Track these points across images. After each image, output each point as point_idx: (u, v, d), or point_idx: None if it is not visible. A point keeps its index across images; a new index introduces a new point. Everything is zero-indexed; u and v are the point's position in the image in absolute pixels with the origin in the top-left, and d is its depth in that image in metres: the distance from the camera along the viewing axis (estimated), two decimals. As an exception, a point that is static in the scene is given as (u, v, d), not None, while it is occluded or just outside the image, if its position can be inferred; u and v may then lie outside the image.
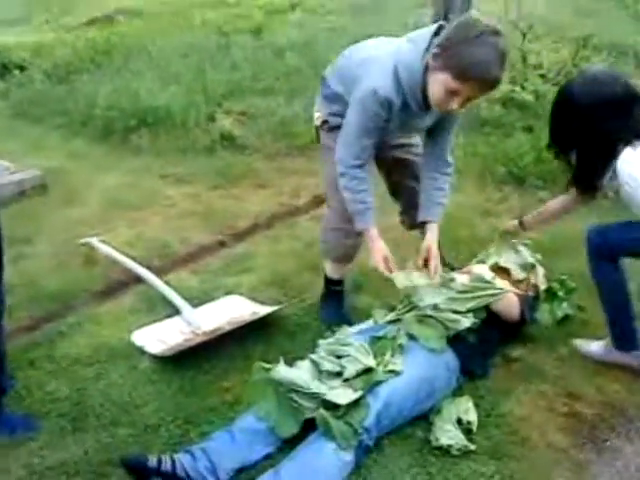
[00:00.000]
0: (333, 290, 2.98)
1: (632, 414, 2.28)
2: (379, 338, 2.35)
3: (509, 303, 2.55)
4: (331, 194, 2.70)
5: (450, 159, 2.66)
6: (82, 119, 5.82)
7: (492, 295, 2.49)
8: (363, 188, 2.47)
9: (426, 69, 2.25)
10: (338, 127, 2.51)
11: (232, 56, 6.96)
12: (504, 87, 5.45)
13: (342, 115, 2.48)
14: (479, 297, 2.47)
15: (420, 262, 2.56)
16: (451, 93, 2.20)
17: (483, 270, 2.69)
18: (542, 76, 5.72)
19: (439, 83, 2.20)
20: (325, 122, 2.63)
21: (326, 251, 2.90)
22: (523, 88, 5.49)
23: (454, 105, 2.23)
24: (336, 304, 2.98)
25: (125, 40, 8.03)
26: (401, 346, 2.30)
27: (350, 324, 2.69)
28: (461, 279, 2.58)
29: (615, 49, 6.37)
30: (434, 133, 2.60)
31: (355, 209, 2.51)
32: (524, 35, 5.98)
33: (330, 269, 2.95)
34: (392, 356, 2.25)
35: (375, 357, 2.22)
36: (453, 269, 2.89)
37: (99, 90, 6.08)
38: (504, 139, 4.99)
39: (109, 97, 5.87)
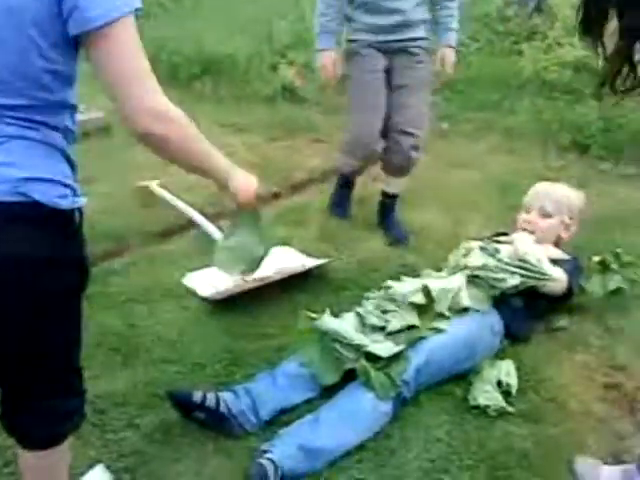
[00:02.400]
0: (343, 182, 3.43)
1: (676, 390, 2.25)
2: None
3: (556, 282, 2.49)
4: (350, 111, 3.23)
5: None
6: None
7: (538, 280, 2.43)
8: (333, 16, 3.04)
9: None
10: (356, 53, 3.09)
11: (300, 6, 6.90)
12: (578, 52, 5.28)
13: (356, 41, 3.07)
14: (525, 277, 2.42)
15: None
16: None
17: (528, 245, 2.59)
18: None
19: None
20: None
21: (342, 165, 3.35)
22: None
23: None
24: (343, 193, 3.43)
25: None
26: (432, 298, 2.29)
27: (348, 216, 3.36)
28: (506, 251, 2.56)
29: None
30: None
31: (320, 30, 3.07)
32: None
33: (342, 165, 3.37)
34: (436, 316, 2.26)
35: (420, 316, 2.24)
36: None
37: (165, 35, 6.13)
38: (572, 105, 4.86)
39: (175, 43, 5.91)
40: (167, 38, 6.03)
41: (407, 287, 2.34)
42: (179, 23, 6.58)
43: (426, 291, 2.28)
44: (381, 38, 3.04)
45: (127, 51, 1.22)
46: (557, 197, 2.75)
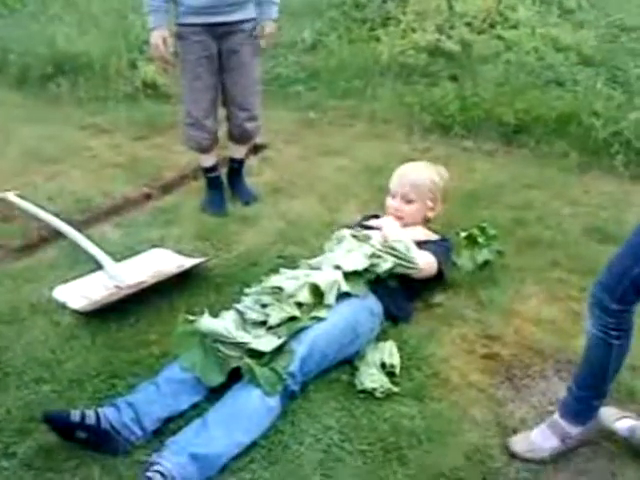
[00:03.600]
0: (209, 177, 3.56)
1: (547, 353, 2.38)
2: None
3: (427, 269, 2.57)
4: (184, 92, 3.34)
5: None
6: (-5, 66, 5.55)
7: (407, 268, 2.48)
8: None
9: None
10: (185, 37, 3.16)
11: None
12: (430, 36, 5.47)
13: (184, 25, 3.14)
14: (396, 264, 2.46)
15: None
16: None
17: (395, 231, 2.65)
18: (468, 24, 5.76)
19: None
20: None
21: (187, 142, 3.47)
22: (449, 37, 5.51)
23: None
24: (215, 192, 3.55)
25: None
26: (321, 292, 2.29)
27: (226, 214, 3.40)
28: (377, 238, 2.60)
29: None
30: None
31: (149, 9, 3.11)
32: (450, -18, 5.98)
33: (200, 158, 3.53)
34: (316, 304, 2.27)
35: (299, 306, 2.24)
36: None
37: (13, 35, 5.78)
38: (430, 88, 5.03)
39: (24, 43, 5.59)
40: (15, 39, 5.69)
41: (290, 284, 2.32)
42: (27, 23, 6.21)
43: (314, 289, 2.28)
44: (207, 20, 3.12)
45: None
46: (418, 182, 2.81)
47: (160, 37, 3.12)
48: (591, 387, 1.92)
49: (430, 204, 2.84)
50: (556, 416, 1.98)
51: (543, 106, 4.47)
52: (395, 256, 2.46)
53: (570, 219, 3.40)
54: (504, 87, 4.78)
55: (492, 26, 5.80)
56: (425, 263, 2.55)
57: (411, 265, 2.48)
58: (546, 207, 3.54)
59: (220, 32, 3.15)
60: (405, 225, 2.74)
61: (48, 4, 6.71)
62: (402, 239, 2.55)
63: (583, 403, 1.94)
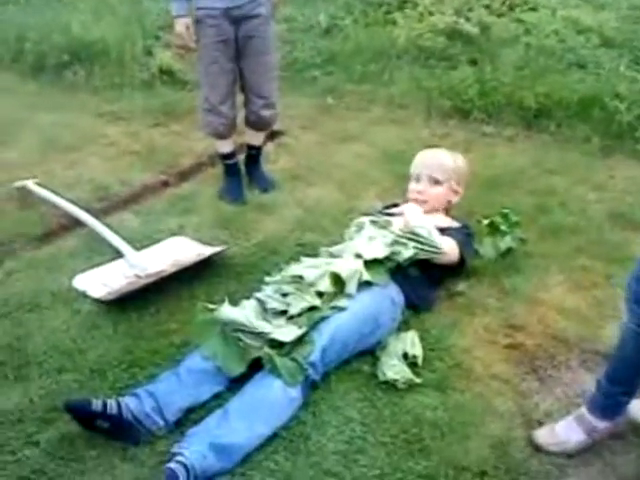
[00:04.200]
0: (227, 164, 3.53)
1: (572, 343, 2.35)
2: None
3: (448, 255, 2.53)
4: (201, 78, 3.32)
5: None
6: (11, 55, 5.54)
7: (430, 253, 2.45)
8: None
9: None
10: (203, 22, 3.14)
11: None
12: (448, 18, 5.39)
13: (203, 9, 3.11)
14: (418, 248, 2.43)
15: None
16: None
17: (417, 216, 2.60)
18: (487, 7, 5.66)
19: None
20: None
21: (204, 129, 3.46)
22: (467, 19, 5.43)
23: None
24: (232, 180, 3.52)
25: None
26: (343, 281, 2.27)
27: (244, 202, 3.36)
28: (397, 224, 2.57)
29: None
30: None
31: None
32: (468, -36, 5.88)
33: (217, 145, 3.51)
34: (337, 293, 2.24)
35: (320, 296, 2.21)
36: None
37: (28, 23, 5.77)
38: (449, 72, 4.96)
39: (39, 30, 5.57)
40: (30, 26, 5.68)
41: (310, 273, 2.29)
42: (42, 10, 6.19)
43: (335, 278, 2.25)
44: (223, 4, 3.10)
45: None
46: (443, 164, 2.80)
47: (184, 25, 3.13)
48: (622, 382, 1.87)
49: (455, 186, 2.81)
50: (583, 409, 1.94)
51: (564, 89, 4.39)
52: (417, 241, 2.43)
53: (594, 205, 3.35)
54: (524, 71, 4.69)
55: (511, 8, 5.70)
56: (448, 248, 2.51)
57: (434, 250, 2.45)
58: (569, 193, 3.48)
59: (237, 16, 3.13)
60: (427, 211, 2.70)
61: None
62: (424, 224, 2.51)
63: (611, 398, 1.90)
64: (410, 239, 2.44)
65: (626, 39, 5.09)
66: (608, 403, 1.90)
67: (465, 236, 2.67)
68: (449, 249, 2.52)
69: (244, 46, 3.21)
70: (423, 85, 4.82)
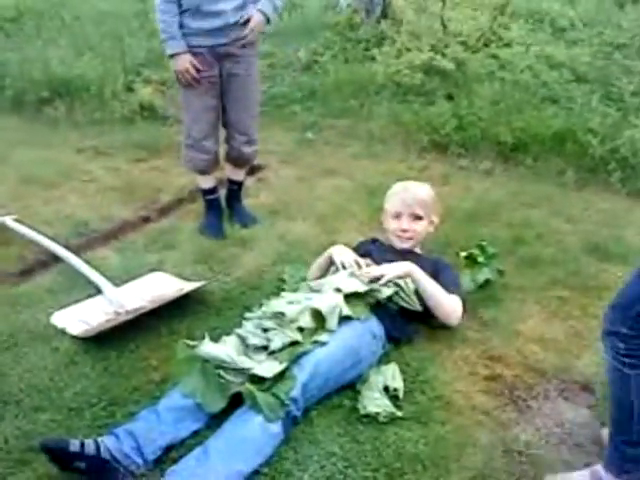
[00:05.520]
0: (208, 200, 3.56)
1: (550, 374, 2.37)
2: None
3: (452, 311, 2.54)
4: (184, 113, 3.36)
5: None
6: (-9, 90, 5.55)
7: (407, 303, 2.49)
8: (171, 21, 3.08)
9: None
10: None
11: (150, 22, 6.74)
12: (425, 55, 5.49)
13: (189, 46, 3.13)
14: (396, 292, 2.47)
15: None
16: None
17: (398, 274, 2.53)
18: (462, 43, 5.79)
19: None
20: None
21: (186, 164, 3.48)
22: (444, 55, 5.54)
23: None
24: (213, 215, 3.54)
25: (36, 6, 7.65)
26: (323, 317, 2.27)
27: (223, 237, 3.38)
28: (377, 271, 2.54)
29: (532, 16, 6.49)
30: None
31: (166, 37, 3.12)
32: (444, 2, 6.03)
33: (199, 180, 3.54)
34: (318, 328, 2.25)
35: (301, 331, 2.22)
36: None
37: (9, 59, 5.80)
38: (426, 107, 5.04)
39: (19, 67, 5.60)
40: (10, 63, 5.71)
41: (291, 309, 2.30)
42: (21, 47, 6.23)
43: (315, 314, 2.26)
44: (209, 42, 3.14)
45: None
46: (422, 199, 2.77)
47: (187, 61, 3.13)
48: (620, 428, 1.79)
49: (434, 218, 2.81)
50: (598, 465, 1.85)
51: (539, 124, 4.49)
52: (397, 285, 2.46)
53: (569, 236, 3.40)
54: (500, 105, 4.79)
55: (486, 45, 5.84)
56: (456, 305, 2.54)
57: (411, 304, 2.48)
58: (545, 225, 3.53)
59: (222, 54, 3.17)
60: (413, 246, 2.74)
61: (43, 28, 6.75)
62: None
63: (618, 450, 1.80)
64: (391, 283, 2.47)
65: (598, 74, 5.23)
66: (615, 456, 1.81)
67: (455, 276, 2.69)
68: (457, 306, 2.54)
69: (228, 83, 3.25)
70: (401, 120, 4.90)
